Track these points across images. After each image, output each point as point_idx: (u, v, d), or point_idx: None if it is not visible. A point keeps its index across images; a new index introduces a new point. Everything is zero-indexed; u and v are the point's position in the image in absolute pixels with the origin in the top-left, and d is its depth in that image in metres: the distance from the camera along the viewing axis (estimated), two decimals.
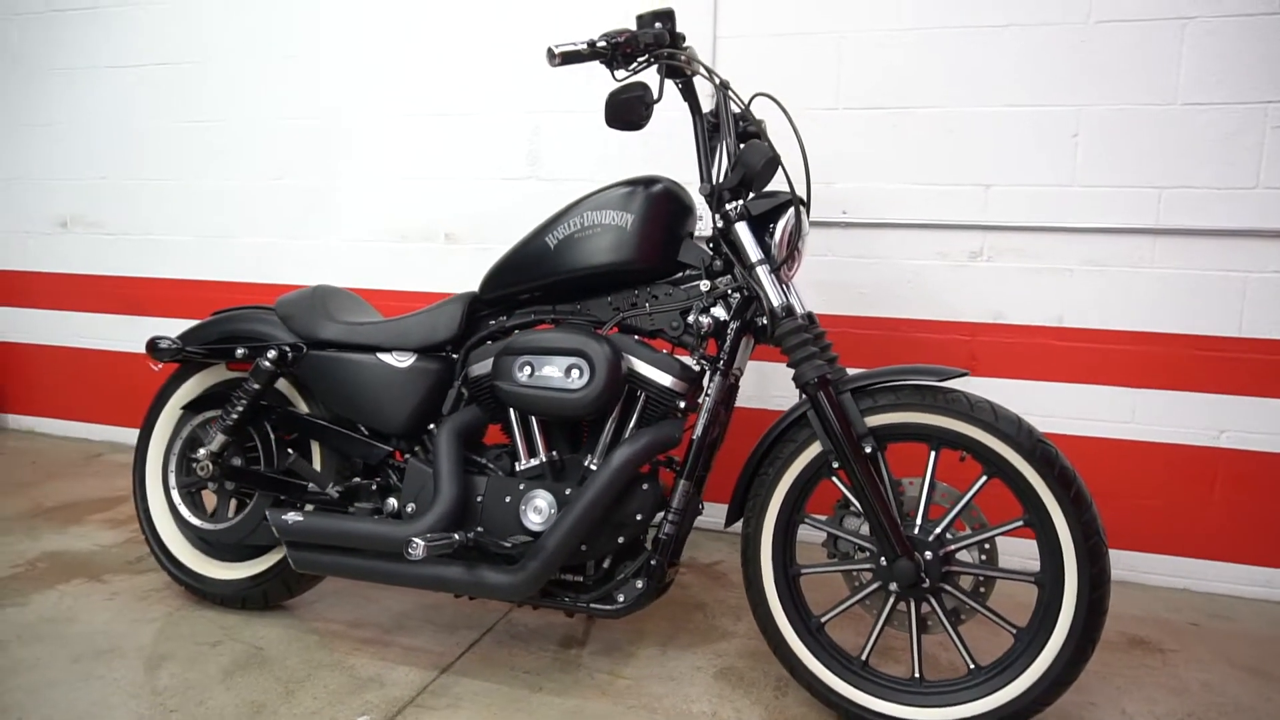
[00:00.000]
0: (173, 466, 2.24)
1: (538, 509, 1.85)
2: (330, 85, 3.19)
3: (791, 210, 1.82)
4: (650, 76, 1.78)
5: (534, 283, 1.95)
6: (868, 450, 1.71)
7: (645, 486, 1.81)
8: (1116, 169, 2.40)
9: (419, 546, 1.69)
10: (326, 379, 2.06)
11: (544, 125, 2.92)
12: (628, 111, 1.74)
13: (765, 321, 1.79)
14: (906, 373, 1.73)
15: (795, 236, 1.83)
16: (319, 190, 3.27)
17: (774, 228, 1.80)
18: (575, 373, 1.81)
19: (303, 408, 2.17)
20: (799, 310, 1.91)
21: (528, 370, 1.85)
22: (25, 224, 3.77)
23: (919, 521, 1.72)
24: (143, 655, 1.98)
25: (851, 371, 1.79)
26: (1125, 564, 2.53)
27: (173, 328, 2.46)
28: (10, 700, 1.77)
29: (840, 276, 2.65)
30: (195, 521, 2.18)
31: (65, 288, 3.74)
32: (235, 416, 2.07)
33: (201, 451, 2.11)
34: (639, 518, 1.80)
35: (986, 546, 1.73)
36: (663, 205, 1.87)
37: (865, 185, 2.60)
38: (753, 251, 1.79)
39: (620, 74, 1.77)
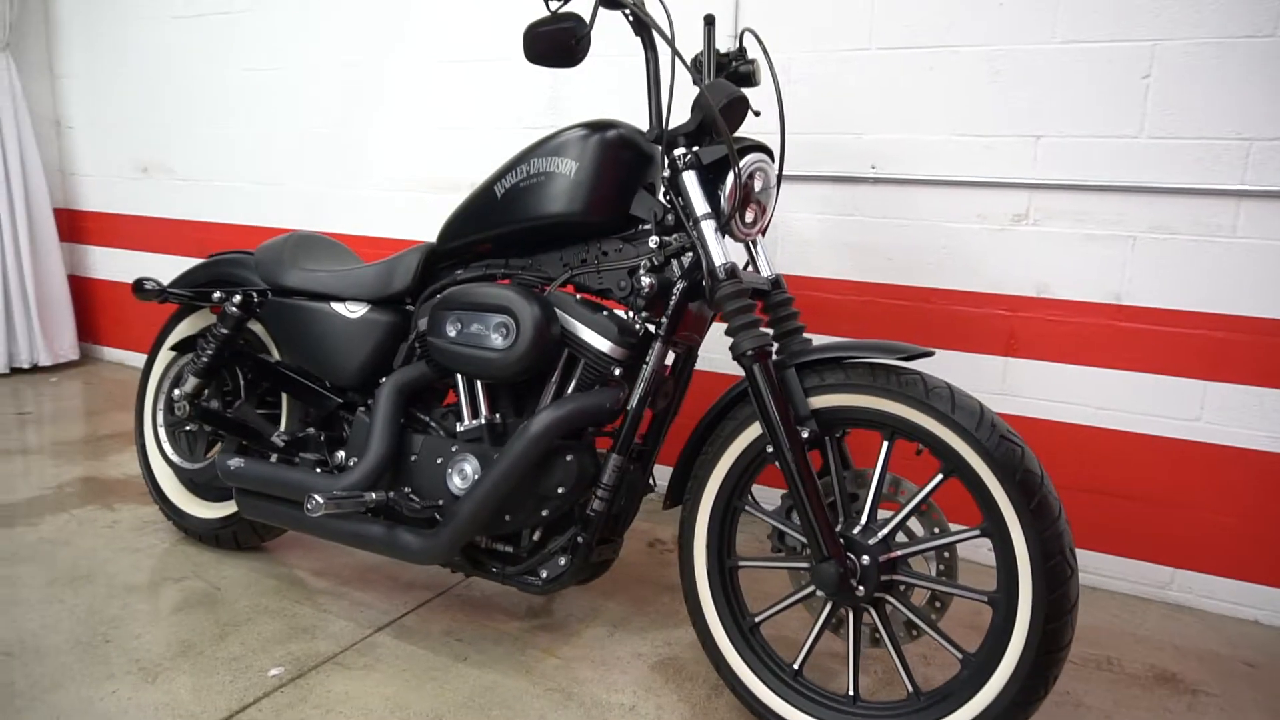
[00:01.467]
0: (160, 405, 2.30)
1: (463, 473, 1.75)
2: (365, 32, 3.15)
3: (750, 158, 1.60)
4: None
5: (484, 234, 1.84)
6: (805, 435, 1.50)
7: (570, 458, 1.67)
8: (1195, 117, 2.00)
9: (317, 503, 1.63)
10: (284, 326, 2.03)
11: (563, 71, 2.77)
12: (550, 45, 1.57)
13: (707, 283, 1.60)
14: (863, 349, 1.50)
15: (755, 189, 1.62)
16: (356, 139, 3.26)
17: (725, 177, 1.60)
18: (502, 332, 1.69)
19: (275, 355, 2.16)
20: (766, 272, 1.71)
21: (457, 327, 1.74)
22: (113, 169, 4.00)
23: (864, 521, 1.51)
24: (111, 584, 2.05)
25: (826, 341, 1.58)
26: (1181, 585, 2.17)
27: None
28: None
29: (867, 239, 2.38)
30: (175, 459, 2.23)
31: (147, 230, 3.95)
32: (205, 360, 2.08)
33: (176, 392, 2.14)
34: (561, 490, 1.67)
35: (945, 555, 1.50)
36: (614, 153, 1.70)
37: (898, 137, 2.31)
38: (698, 204, 1.59)
39: (554, 3, 1.60)
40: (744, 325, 1.53)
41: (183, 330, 2.29)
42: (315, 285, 2.01)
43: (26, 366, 3.93)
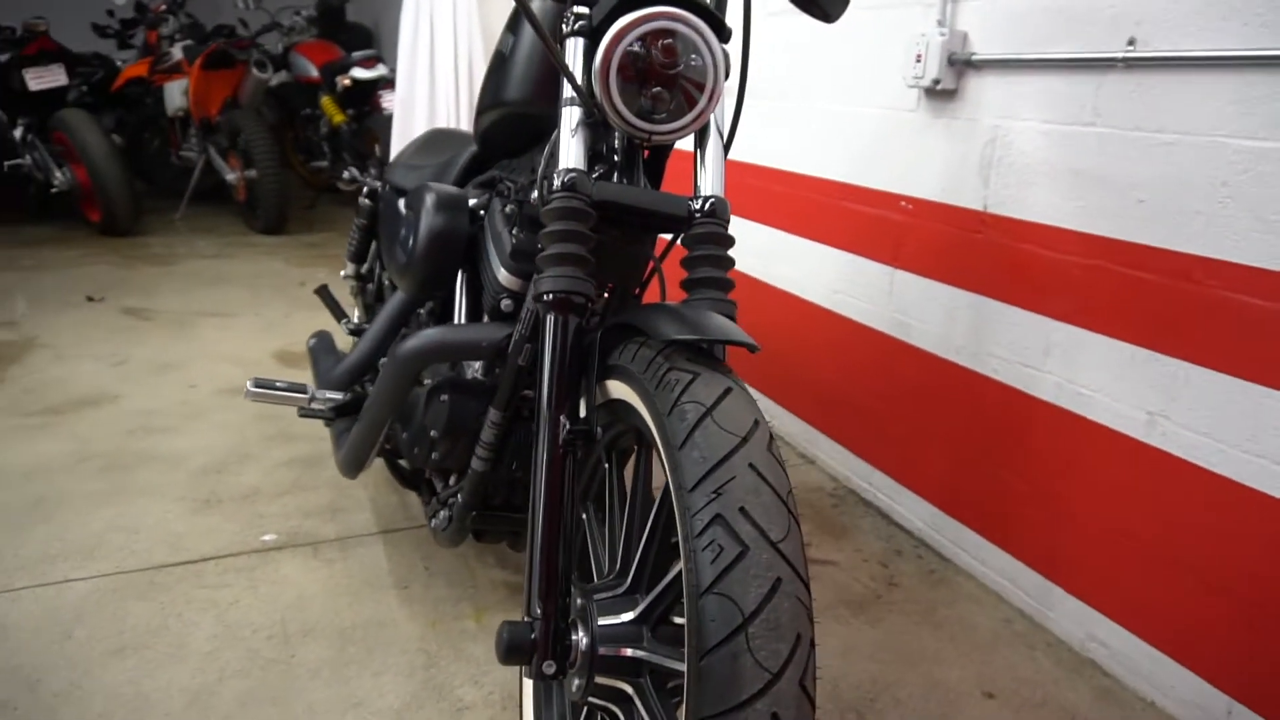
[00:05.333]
0: None
1: None
2: None
3: (649, 13, 1.08)
4: None
5: (480, 131, 1.59)
6: (567, 431, 1.00)
7: (444, 398, 1.39)
8: None
9: (249, 387, 1.64)
10: (380, 223, 2.06)
11: None
12: None
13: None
14: (671, 319, 0.94)
15: (657, 60, 1.09)
16: None
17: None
18: (407, 232, 1.46)
19: None
20: (707, 191, 1.16)
21: (395, 230, 1.56)
22: None
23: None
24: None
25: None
26: None
27: None
28: None
29: (1108, 166, 1.44)
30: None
31: None
32: (351, 246, 2.23)
33: (342, 273, 2.35)
34: (434, 434, 1.41)
35: None
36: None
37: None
38: (567, 85, 1.13)
39: None
40: (554, 258, 1.07)
41: None
42: (396, 180, 1.98)
43: None
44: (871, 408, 2.07)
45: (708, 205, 1.13)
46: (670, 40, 1.08)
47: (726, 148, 1.21)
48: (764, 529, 0.71)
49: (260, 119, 4.84)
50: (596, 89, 1.09)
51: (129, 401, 2.53)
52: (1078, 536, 1.55)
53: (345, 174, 2.45)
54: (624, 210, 1.13)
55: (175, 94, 5.15)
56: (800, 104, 2.26)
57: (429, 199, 1.43)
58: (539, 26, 1.03)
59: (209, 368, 2.83)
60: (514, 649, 0.94)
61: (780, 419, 2.44)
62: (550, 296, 1.03)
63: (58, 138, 4.52)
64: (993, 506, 1.74)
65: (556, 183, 1.08)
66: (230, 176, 4.91)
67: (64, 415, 2.42)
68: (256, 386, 1.64)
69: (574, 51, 1.14)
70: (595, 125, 1.15)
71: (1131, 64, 1.39)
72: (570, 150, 1.11)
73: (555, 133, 1.16)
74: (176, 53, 5.10)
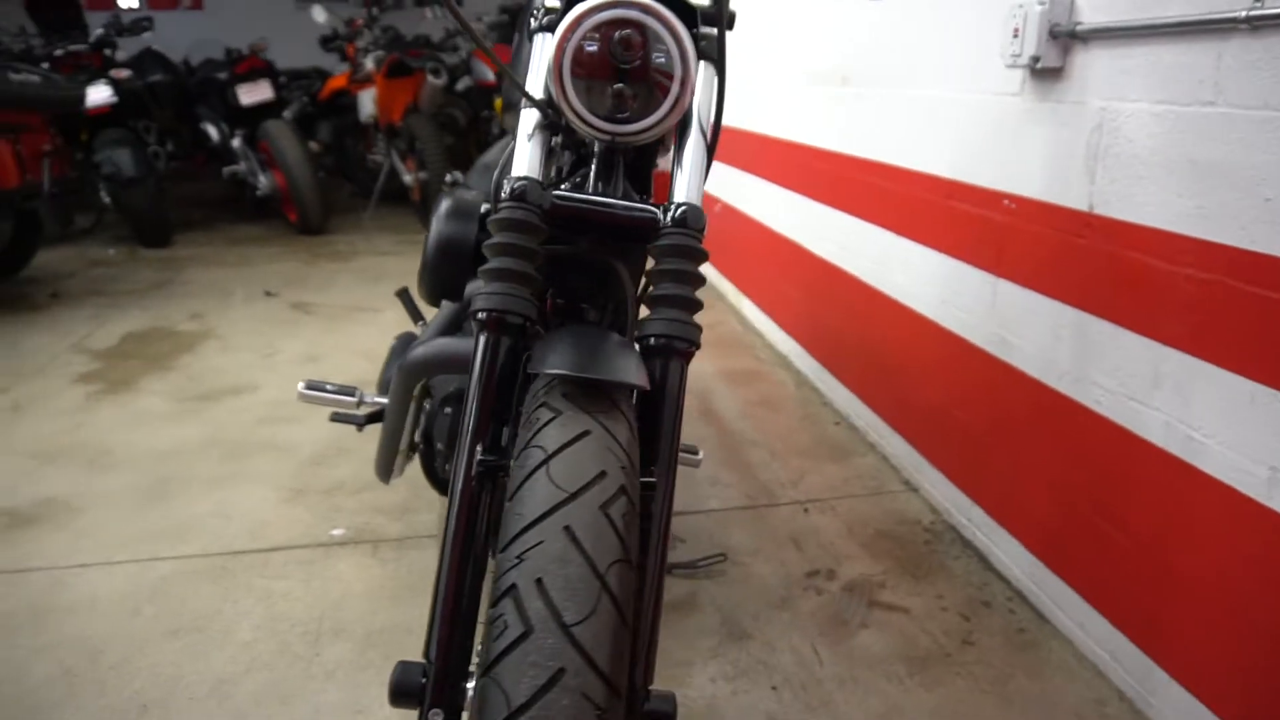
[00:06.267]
0: None
1: None
2: None
3: (598, 1, 0.98)
4: None
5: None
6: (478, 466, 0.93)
7: (447, 411, 1.39)
8: None
9: (300, 388, 1.69)
10: None
11: None
12: None
13: None
14: (566, 349, 0.84)
15: (615, 54, 0.99)
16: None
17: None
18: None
19: None
20: (683, 196, 1.04)
21: None
22: None
23: None
24: None
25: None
26: None
27: None
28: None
29: (1230, 155, 1.14)
30: None
31: None
32: None
33: None
34: (438, 446, 1.39)
35: None
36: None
37: None
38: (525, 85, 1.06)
39: None
40: (491, 273, 0.99)
41: None
42: (474, 185, 1.98)
43: None
44: (974, 435, 1.82)
45: (678, 213, 1.01)
46: (629, 32, 0.98)
47: (711, 149, 1.08)
48: (557, 608, 0.60)
49: (433, 123, 5.12)
50: (552, 88, 1.01)
51: (266, 392, 2.74)
52: (1185, 610, 1.26)
53: (448, 177, 2.49)
54: (582, 220, 1.04)
55: (367, 102, 5.57)
56: (898, 91, 2.03)
57: (443, 205, 1.40)
58: (460, 17, 0.95)
59: (344, 361, 3.01)
60: (401, 692, 0.88)
61: (889, 442, 2.21)
62: (484, 315, 0.96)
63: (263, 147, 5.02)
64: (1094, 562, 1.46)
65: (505, 191, 1.01)
66: (407, 178, 5.23)
67: (209, 402, 2.66)
68: (308, 389, 1.69)
69: (541, 47, 1.06)
70: (569, 129, 1.06)
71: (1258, 25, 1.09)
72: (524, 156, 1.03)
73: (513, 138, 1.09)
74: (369, 63, 5.50)
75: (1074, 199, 1.45)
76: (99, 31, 5.00)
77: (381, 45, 5.62)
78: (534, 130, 1.04)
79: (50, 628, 1.59)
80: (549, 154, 1.23)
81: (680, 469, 2.11)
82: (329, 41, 5.93)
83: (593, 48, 0.98)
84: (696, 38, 1.05)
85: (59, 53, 4.62)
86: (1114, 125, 1.35)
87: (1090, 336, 1.43)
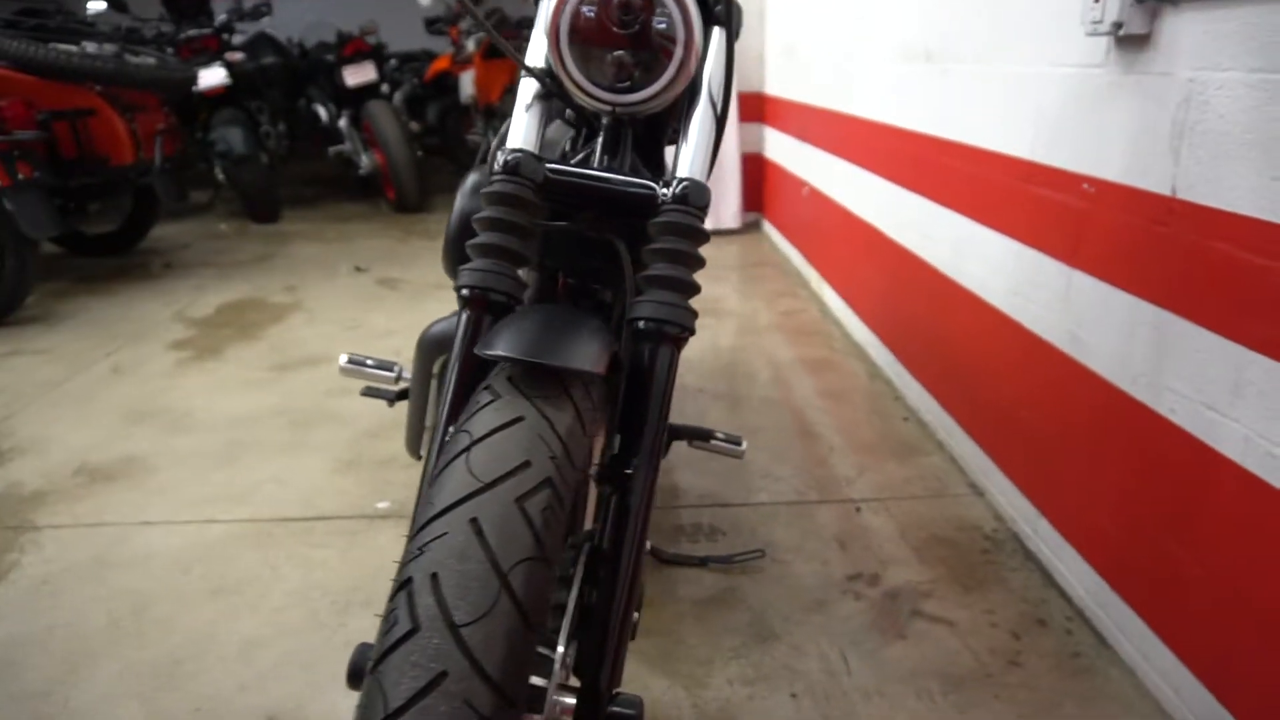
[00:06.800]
0: None
1: None
2: None
3: None
4: None
5: None
6: None
7: None
8: None
9: (342, 361, 1.70)
10: None
11: None
12: None
13: None
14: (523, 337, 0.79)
15: (613, 17, 0.93)
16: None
17: None
18: None
19: None
20: (685, 171, 0.98)
21: None
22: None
23: None
24: None
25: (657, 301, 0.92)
26: None
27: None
28: None
29: None
30: None
31: (791, 114, 4.14)
32: None
33: None
34: None
35: None
36: None
37: None
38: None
39: None
40: (477, 249, 0.96)
41: None
42: None
43: None
44: (1042, 438, 1.68)
45: (679, 189, 0.95)
46: None
47: (720, 121, 1.01)
48: (447, 606, 0.56)
49: None
50: (550, 56, 0.96)
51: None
52: (1262, 652, 1.12)
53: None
54: (576, 195, 0.99)
55: (467, 83, 5.66)
56: (981, 67, 1.87)
57: (466, 181, 1.38)
58: None
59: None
60: (356, 674, 0.86)
61: (958, 441, 2.08)
62: (466, 292, 0.93)
63: (366, 126, 5.18)
64: (1161, 587, 1.32)
65: (498, 163, 0.97)
66: None
67: (287, 372, 2.76)
68: (349, 362, 1.71)
69: (540, 12, 1.02)
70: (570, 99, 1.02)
71: None
72: (520, 127, 0.99)
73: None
74: (470, 45, 5.59)
75: (1156, 182, 1.30)
76: (221, 17, 5.26)
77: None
78: (532, 101, 1.00)
79: (108, 580, 1.68)
80: (572, 129, 1.20)
81: (727, 461, 2.05)
82: (433, 24, 6.06)
83: (590, 12, 0.93)
84: (704, 0, 0.99)
85: (183, 37, 4.89)
86: (1202, 99, 1.19)
87: (1167, 336, 1.28)
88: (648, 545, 1.69)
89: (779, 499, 1.95)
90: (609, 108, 0.98)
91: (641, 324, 0.91)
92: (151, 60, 3.76)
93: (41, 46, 3.14)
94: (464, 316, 0.93)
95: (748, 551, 1.73)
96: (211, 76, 4.43)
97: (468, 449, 0.65)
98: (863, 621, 1.53)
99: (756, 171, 4.67)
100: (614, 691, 0.86)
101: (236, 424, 2.37)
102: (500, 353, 0.71)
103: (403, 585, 0.58)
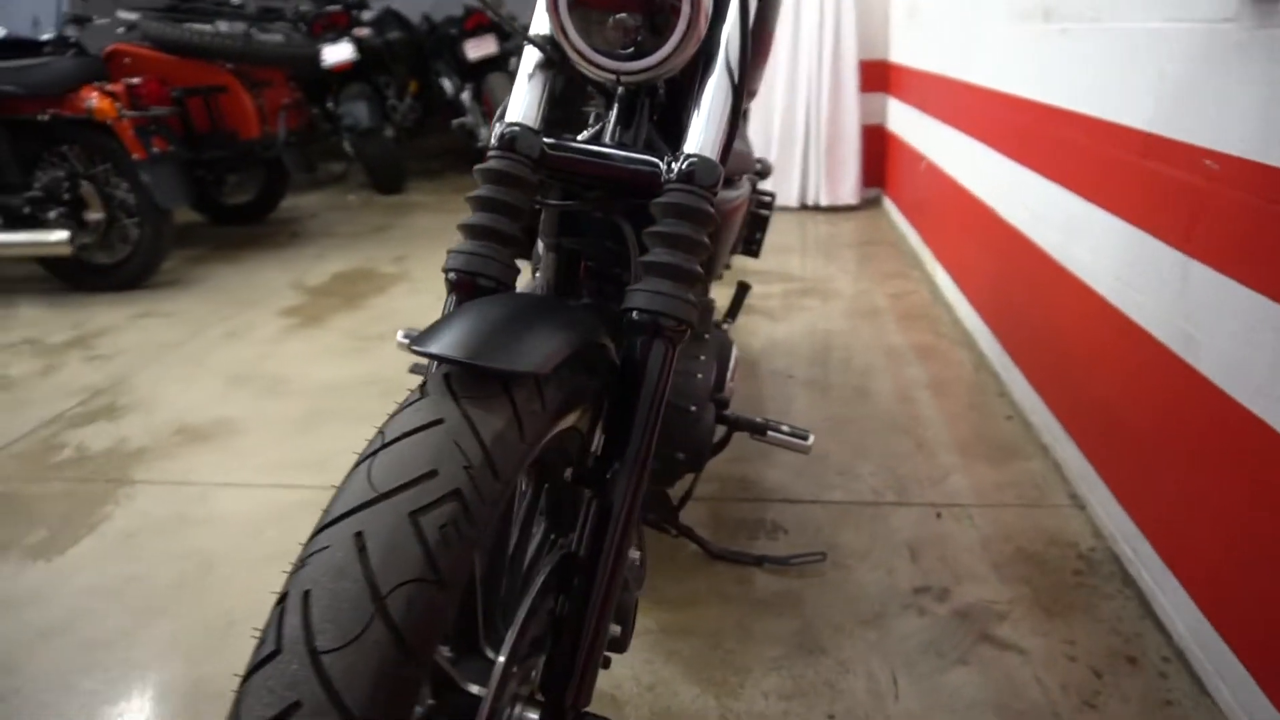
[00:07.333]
0: None
1: None
2: None
3: None
4: None
5: None
6: None
7: None
8: None
9: (399, 337, 1.69)
10: None
11: None
12: None
13: None
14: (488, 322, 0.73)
15: None
16: None
17: None
18: None
19: None
20: (695, 145, 0.89)
21: None
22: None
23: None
24: None
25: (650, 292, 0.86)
26: None
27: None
28: None
29: None
30: None
31: (912, 83, 3.88)
32: None
33: None
34: None
35: None
36: None
37: None
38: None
39: None
40: (467, 229, 0.91)
41: None
42: None
43: (809, 204, 4.49)
44: (1149, 450, 1.48)
45: (685, 167, 0.87)
46: None
47: (739, 92, 0.91)
48: (312, 629, 0.51)
49: None
50: (550, 23, 0.89)
51: None
52: None
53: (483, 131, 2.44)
54: (575, 172, 0.92)
55: None
56: (1103, 25, 1.65)
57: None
58: None
59: None
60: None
61: (1062, 446, 1.88)
62: (454, 275, 0.88)
63: (485, 99, 5.24)
64: (1269, 633, 1.13)
65: (494, 138, 0.92)
66: None
67: (381, 342, 2.83)
68: (405, 337, 1.71)
69: None
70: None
71: None
72: (520, 99, 0.93)
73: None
74: None
75: None
76: None
77: None
78: (534, 71, 0.93)
79: (184, 538, 1.76)
80: (595, 104, 1.12)
81: (790, 455, 1.93)
82: None
83: None
84: None
85: (315, 14, 5.09)
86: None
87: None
88: (702, 540, 1.61)
89: (852, 498, 1.83)
90: (612, 76, 0.90)
91: (635, 315, 0.83)
92: (278, 38, 3.93)
93: (176, 26, 3.33)
94: (450, 301, 0.88)
95: (808, 554, 1.62)
96: (338, 53, 4.59)
97: (374, 453, 0.60)
98: (922, 641, 1.40)
99: (878, 145, 4.42)
100: (582, 710, 0.80)
101: (326, 391, 2.45)
102: (430, 350, 0.65)
103: (279, 601, 0.54)
